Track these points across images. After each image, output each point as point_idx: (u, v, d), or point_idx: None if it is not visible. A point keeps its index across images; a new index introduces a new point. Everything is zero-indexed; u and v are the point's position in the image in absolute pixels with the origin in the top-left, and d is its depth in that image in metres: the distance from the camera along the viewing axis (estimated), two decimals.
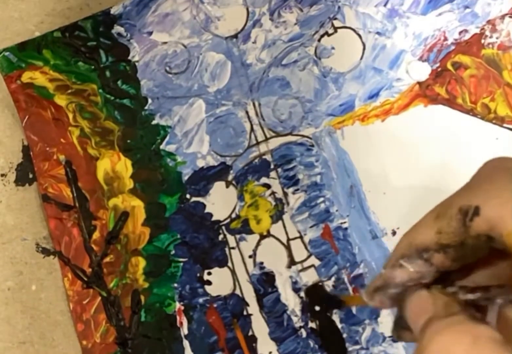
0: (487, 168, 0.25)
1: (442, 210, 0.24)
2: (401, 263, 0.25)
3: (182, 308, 0.43)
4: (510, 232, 0.22)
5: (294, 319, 0.42)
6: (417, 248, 0.25)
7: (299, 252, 0.43)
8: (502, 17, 0.44)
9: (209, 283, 0.43)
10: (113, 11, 0.46)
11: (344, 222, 0.43)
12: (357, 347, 0.42)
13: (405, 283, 0.25)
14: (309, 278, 0.43)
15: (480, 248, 0.24)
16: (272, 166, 0.44)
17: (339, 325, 0.42)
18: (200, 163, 0.45)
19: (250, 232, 0.44)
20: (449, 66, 0.44)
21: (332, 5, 0.45)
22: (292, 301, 0.43)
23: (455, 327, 0.21)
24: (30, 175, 0.46)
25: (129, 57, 0.46)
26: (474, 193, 0.24)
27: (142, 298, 0.43)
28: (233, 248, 0.43)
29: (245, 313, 0.43)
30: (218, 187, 0.44)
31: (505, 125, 0.43)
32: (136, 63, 0.46)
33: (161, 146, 0.45)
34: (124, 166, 0.45)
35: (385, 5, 0.45)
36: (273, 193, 0.44)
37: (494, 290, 0.23)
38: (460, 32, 0.44)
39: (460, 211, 0.23)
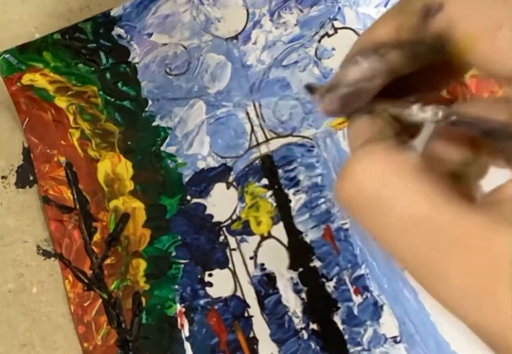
0: None
1: (405, 6, 0.24)
2: (356, 59, 0.25)
3: (183, 310, 0.43)
4: (466, 35, 0.21)
5: (295, 320, 0.42)
6: (374, 43, 0.24)
7: None
8: None
9: (210, 284, 0.43)
10: (113, 13, 0.46)
11: (345, 223, 0.43)
12: (359, 348, 0.42)
13: (357, 81, 0.25)
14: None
15: (436, 49, 0.23)
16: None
17: (340, 327, 0.42)
18: (201, 164, 0.44)
19: (251, 233, 0.43)
20: None
21: (332, 6, 0.45)
22: (293, 303, 0.42)
23: (380, 150, 0.21)
24: (31, 178, 0.46)
25: (129, 59, 0.46)
26: None
27: (143, 300, 0.43)
28: (234, 249, 0.43)
29: (246, 314, 0.43)
30: (219, 188, 0.44)
31: None
32: (136, 65, 0.45)
33: (162, 148, 0.45)
34: (125, 168, 0.45)
35: (385, 6, 0.45)
36: (274, 194, 0.44)
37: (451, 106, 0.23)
38: None
39: (424, 7, 0.23)
